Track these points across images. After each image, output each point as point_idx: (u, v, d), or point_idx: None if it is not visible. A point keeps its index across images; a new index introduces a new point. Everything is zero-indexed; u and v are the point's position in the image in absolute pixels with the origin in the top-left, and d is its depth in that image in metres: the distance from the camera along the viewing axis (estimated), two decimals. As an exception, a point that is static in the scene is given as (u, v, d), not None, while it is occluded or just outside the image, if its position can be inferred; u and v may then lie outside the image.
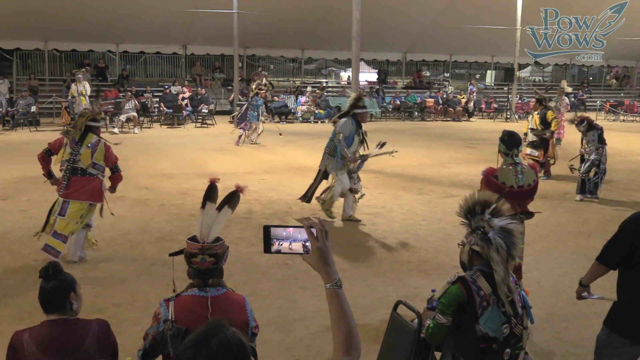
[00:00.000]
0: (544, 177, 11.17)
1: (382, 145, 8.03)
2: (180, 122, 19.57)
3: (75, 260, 6.22)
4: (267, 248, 1.79)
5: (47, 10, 19.09)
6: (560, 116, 16.43)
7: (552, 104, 17.72)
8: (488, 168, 4.94)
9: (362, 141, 7.98)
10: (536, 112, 11.43)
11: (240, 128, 15.22)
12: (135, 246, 6.85)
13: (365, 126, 11.81)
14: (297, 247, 1.78)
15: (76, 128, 6.28)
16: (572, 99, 18.93)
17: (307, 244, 1.76)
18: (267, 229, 1.79)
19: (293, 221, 7.80)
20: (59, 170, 6.35)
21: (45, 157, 6.26)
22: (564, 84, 17.59)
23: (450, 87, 25.71)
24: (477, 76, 27.98)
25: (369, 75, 27.87)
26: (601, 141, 9.54)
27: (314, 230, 1.74)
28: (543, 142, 11.18)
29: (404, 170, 11.27)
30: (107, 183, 6.56)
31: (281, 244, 1.78)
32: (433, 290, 3.21)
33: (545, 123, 11.19)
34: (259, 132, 15.22)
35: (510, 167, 4.87)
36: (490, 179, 4.78)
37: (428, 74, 29.61)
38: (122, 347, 2.99)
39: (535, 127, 11.34)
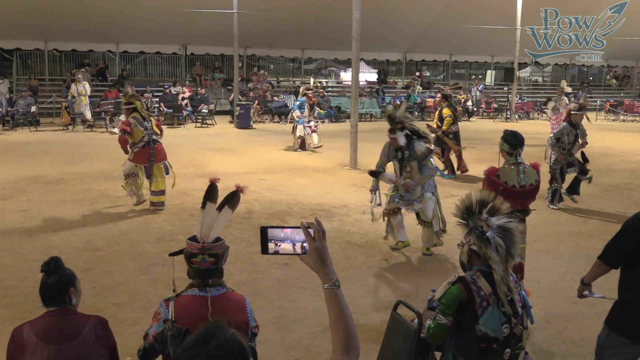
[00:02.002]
0: (448, 176, 11.09)
1: None
2: (180, 122, 19.57)
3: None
4: (265, 249, 1.79)
5: (47, 10, 19.10)
6: (559, 116, 16.49)
7: (551, 104, 17.78)
8: (490, 167, 4.95)
9: (402, 165, 6.54)
10: (440, 108, 11.38)
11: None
12: (135, 246, 6.85)
13: (364, 126, 11.80)
14: (295, 247, 1.77)
15: (142, 109, 8.40)
16: (572, 99, 18.99)
17: (304, 244, 1.75)
18: (264, 230, 1.78)
19: (293, 221, 7.79)
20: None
21: (126, 139, 8.30)
22: (563, 84, 17.61)
23: (419, 87, 25.46)
24: (479, 77, 27.94)
25: (369, 75, 27.86)
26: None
27: (311, 231, 1.74)
28: (440, 140, 11.08)
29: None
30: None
31: (279, 245, 1.78)
32: (433, 290, 3.21)
33: (442, 120, 11.12)
34: (298, 137, 14.13)
35: (513, 167, 4.87)
36: (492, 178, 4.79)
37: (428, 74, 29.62)
38: (122, 347, 3.00)
39: (431, 124, 11.42)
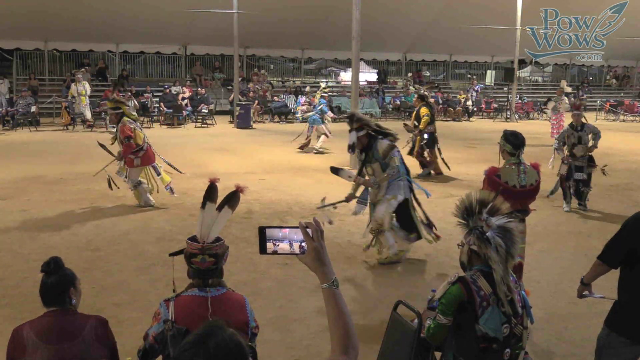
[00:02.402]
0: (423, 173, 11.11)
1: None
2: (180, 122, 19.58)
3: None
4: (263, 249, 1.79)
5: (47, 10, 19.11)
6: (560, 116, 16.49)
7: (551, 104, 17.77)
8: (491, 167, 4.94)
9: (364, 166, 6.41)
10: (418, 108, 11.37)
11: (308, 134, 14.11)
12: (135, 246, 6.85)
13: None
14: (294, 247, 1.77)
15: (129, 112, 8.60)
16: (572, 99, 18.99)
17: (303, 244, 1.75)
18: (262, 230, 1.78)
19: (293, 221, 7.79)
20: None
21: (133, 145, 8.23)
22: (563, 84, 17.57)
23: (412, 87, 25.29)
24: (474, 77, 27.89)
25: (369, 75, 27.86)
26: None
27: (309, 231, 1.74)
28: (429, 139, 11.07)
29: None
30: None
31: (277, 245, 1.78)
32: (433, 290, 3.21)
33: (419, 119, 11.09)
34: (324, 139, 14.00)
35: (513, 167, 4.87)
36: (492, 178, 4.79)
37: (428, 73, 29.60)
38: (122, 347, 3.00)
39: (408, 123, 11.42)
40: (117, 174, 8.57)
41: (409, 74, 27.55)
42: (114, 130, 10.73)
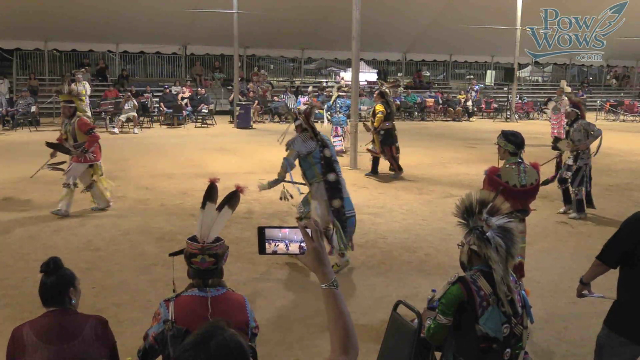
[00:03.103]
0: (393, 175, 11.09)
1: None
2: (180, 122, 19.58)
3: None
4: (262, 249, 1.79)
5: (47, 10, 19.11)
6: (560, 116, 16.47)
7: (551, 104, 17.76)
8: (491, 167, 4.95)
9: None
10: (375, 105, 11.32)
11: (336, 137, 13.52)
12: (135, 246, 6.85)
13: (364, 126, 11.76)
14: (293, 247, 1.77)
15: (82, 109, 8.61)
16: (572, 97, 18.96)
17: (302, 244, 1.75)
18: (261, 230, 1.78)
19: (293, 222, 7.79)
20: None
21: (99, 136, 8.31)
22: (563, 84, 17.52)
23: (401, 87, 25.17)
24: (471, 77, 27.85)
25: (369, 75, 27.86)
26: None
27: (309, 231, 1.74)
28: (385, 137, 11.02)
29: (404, 170, 11.28)
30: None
31: (277, 245, 1.78)
32: (433, 290, 3.21)
33: (375, 116, 11.05)
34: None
35: (514, 167, 4.87)
36: (493, 178, 4.79)
37: (428, 74, 29.62)
38: (122, 347, 3.00)
39: (367, 123, 11.40)
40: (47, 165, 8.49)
41: (399, 74, 27.41)
42: (114, 130, 10.65)
